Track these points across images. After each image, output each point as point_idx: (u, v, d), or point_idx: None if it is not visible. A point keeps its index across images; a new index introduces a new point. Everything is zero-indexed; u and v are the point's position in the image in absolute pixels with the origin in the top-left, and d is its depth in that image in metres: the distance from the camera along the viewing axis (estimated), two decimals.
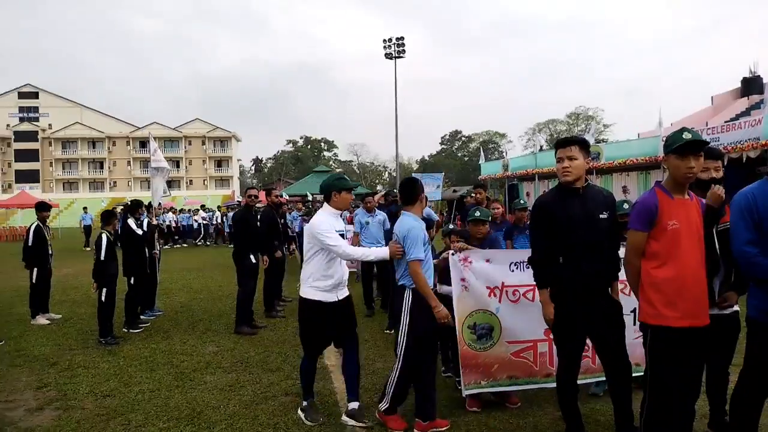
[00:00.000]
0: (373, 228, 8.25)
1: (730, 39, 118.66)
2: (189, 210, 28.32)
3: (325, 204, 4.29)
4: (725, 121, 21.12)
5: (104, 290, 6.74)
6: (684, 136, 2.93)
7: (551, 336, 4.18)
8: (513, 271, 4.36)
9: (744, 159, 14.95)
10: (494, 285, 4.33)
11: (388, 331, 6.81)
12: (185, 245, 24.37)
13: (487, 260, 4.37)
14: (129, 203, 8.49)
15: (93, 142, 76.40)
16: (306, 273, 4.20)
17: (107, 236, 6.85)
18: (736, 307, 3.46)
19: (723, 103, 33.06)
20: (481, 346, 4.32)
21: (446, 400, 4.53)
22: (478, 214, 4.78)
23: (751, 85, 31.83)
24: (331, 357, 5.90)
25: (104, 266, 6.76)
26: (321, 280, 4.13)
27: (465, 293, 4.33)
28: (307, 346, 4.33)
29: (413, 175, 16.77)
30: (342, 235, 4.19)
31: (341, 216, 4.43)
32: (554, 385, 4.23)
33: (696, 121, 28.22)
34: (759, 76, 32.28)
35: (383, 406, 4.08)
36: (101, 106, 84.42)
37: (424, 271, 3.92)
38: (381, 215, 8.38)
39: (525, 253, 4.41)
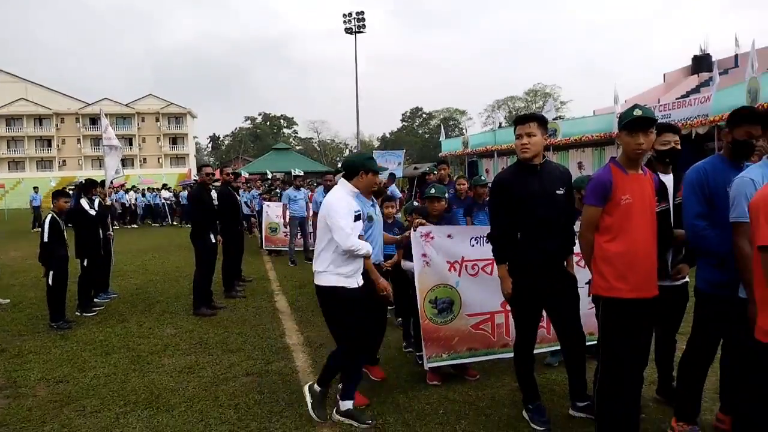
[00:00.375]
0: None
1: (683, 18, 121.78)
2: (153, 189, 27.43)
3: (345, 181, 3.90)
4: (676, 98, 21.76)
5: (51, 273, 6.49)
6: (635, 113, 2.99)
7: (508, 308, 4.33)
8: (473, 246, 4.45)
9: (693, 135, 15.46)
10: (454, 260, 4.41)
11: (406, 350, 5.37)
12: (155, 225, 23.67)
13: (449, 236, 4.44)
14: (83, 182, 8.16)
15: (40, 119, 72.90)
16: (324, 260, 3.75)
17: (53, 217, 6.58)
18: (686, 279, 3.60)
19: (674, 81, 34.04)
20: (442, 320, 4.40)
21: (407, 374, 4.60)
22: (433, 191, 4.81)
23: (701, 63, 32.83)
24: (293, 336, 5.89)
25: (50, 248, 6.50)
26: (343, 266, 3.71)
27: (426, 268, 4.39)
28: (351, 340, 3.79)
29: (374, 152, 16.73)
30: (359, 217, 3.79)
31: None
32: (511, 355, 4.35)
33: (649, 98, 28.98)
34: (709, 54, 33.31)
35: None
36: (48, 81, 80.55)
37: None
38: None
39: (485, 229, 4.53)
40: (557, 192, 3.47)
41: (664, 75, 36.37)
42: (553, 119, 22.16)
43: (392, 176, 11.87)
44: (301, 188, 11.54)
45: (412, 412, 3.88)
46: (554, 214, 3.45)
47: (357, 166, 3.87)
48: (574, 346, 3.58)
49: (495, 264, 4.22)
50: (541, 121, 3.51)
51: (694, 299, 3.32)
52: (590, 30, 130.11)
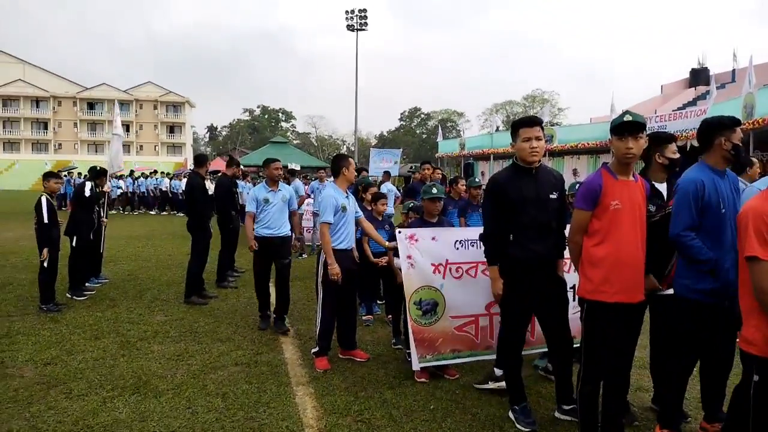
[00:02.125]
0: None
1: (682, 31, 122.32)
2: (159, 174, 26.86)
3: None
4: (673, 110, 21.91)
5: (47, 254, 6.43)
6: (625, 118, 3.04)
7: (492, 310, 4.41)
8: (457, 248, 4.45)
9: (688, 147, 15.56)
10: (438, 262, 4.42)
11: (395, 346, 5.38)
12: (161, 213, 23.35)
13: (433, 238, 4.46)
14: (98, 168, 8.25)
15: (36, 101, 72.26)
16: None
17: (47, 198, 6.53)
18: None
19: (672, 93, 34.24)
20: (426, 321, 4.42)
21: (395, 371, 4.61)
22: (435, 191, 4.80)
23: (698, 76, 33.06)
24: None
25: (48, 229, 6.46)
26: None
27: (411, 270, 4.42)
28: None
29: (371, 149, 16.75)
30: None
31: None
32: (494, 357, 4.40)
33: (646, 108, 29.13)
34: (707, 67, 33.53)
35: (314, 350, 4.83)
36: (46, 63, 79.91)
37: (339, 233, 4.76)
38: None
39: (469, 232, 4.63)
40: (551, 196, 3.50)
41: (661, 86, 36.59)
42: (551, 125, 22.25)
43: (387, 174, 11.87)
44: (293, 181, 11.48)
45: (399, 408, 3.89)
46: (547, 218, 3.48)
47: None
48: (562, 348, 3.61)
49: (486, 264, 4.27)
50: (542, 126, 3.56)
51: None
52: (590, 38, 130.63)
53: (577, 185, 4.68)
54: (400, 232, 4.48)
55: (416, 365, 4.36)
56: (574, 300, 3.86)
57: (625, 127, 3.01)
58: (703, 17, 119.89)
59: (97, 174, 8.10)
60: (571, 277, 3.86)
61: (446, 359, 4.46)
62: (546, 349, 4.06)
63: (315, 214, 10.70)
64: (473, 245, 4.42)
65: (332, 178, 5.23)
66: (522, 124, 3.54)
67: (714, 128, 3.20)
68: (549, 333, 3.65)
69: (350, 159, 5.04)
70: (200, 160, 7.82)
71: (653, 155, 3.53)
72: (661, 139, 3.55)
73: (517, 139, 3.52)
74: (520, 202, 3.44)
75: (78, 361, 4.76)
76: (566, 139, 22.00)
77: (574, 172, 21.12)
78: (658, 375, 3.73)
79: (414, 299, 4.39)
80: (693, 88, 32.65)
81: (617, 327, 3.07)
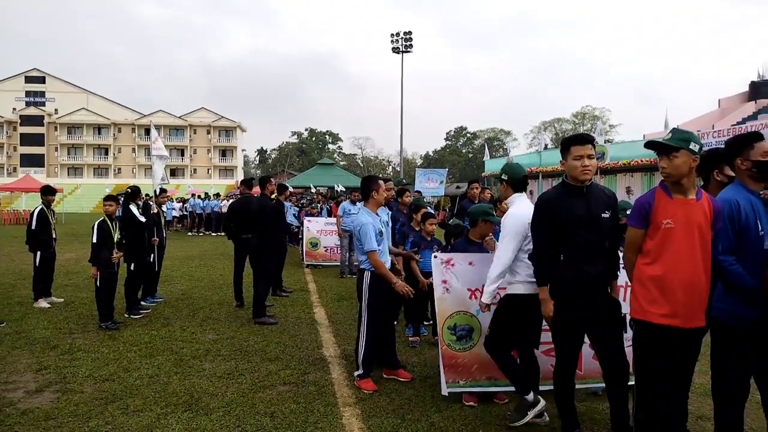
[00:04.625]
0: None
1: (740, 42, 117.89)
2: (218, 195, 27.76)
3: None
4: (732, 125, 21.06)
5: (98, 274, 6.75)
6: (663, 137, 2.99)
7: None
8: None
9: None
10: (476, 287, 4.36)
11: (411, 338, 6.17)
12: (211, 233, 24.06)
13: (470, 263, 4.42)
14: (129, 190, 8.40)
15: (98, 128, 76.52)
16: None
17: (102, 220, 6.88)
18: None
19: (730, 107, 32.94)
20: (461, 347, 4.38)
21: (441, 394, 4.54)
22: (496, 215, 4.79)
23: (759, 89, 31.76)
24: (330, 348, 5.93)
25: (98, 250, 6.76)
26: None
27: (446, 295, 4.40)
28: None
29: (417, 170, 16.80)
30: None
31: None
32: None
33: (703, 123, 28.13)
34: (767, 80, 32.13)
35: (357, 372, 4.79)
36: (108, 92, 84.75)
37: (379, 255, 4.70)
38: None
39: None
40: (603, 215, 3.40)
41: (719, 101, 35.26)
42: (603, 142, 21.75)
43: (418, 193, 12.04)
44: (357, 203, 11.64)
45: None
46: (598, 237, 3.39)
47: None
48: (617, 372, 3.46)
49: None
50: (593, 144, 3.49)
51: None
52: (642, 53, 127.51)
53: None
54: (436, 256, 4.48)
55: (444, 390, 4.32)
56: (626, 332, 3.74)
57: (652, 147, 2.98)
58: (763, 28, 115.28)
59: (133, 194, 8.02)
60: (627, 306, 3.71)
61: (482, 386, 4.37)
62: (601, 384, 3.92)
63: (341, 234, 11.15)
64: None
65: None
66: (573, 141, 3.46)
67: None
68: (603, 356, 3.51)
69: (380, 181, 4.96)
70: (263, 182, 8.00)
71: (711, 173, 3.41)
72: (720, 157, 3.41)
73: (568, 157, 3.45)
74: (571, 222, 3.37)
75: (134, 377, 4.92)
76: (619, 156, 21.44)
77: (628, 191, 20.53)
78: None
79: (448, 324, 4.36)
80: (753, 102, 31.33)
81: (666, 351, 2.95)
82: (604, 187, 3.69)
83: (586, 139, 3.45)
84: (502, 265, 3.82)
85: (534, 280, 3.67)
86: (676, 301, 2.91)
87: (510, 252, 3.81)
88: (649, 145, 3.03)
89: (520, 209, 3.91)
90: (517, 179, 4.07)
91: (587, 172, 3.39)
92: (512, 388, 4.27)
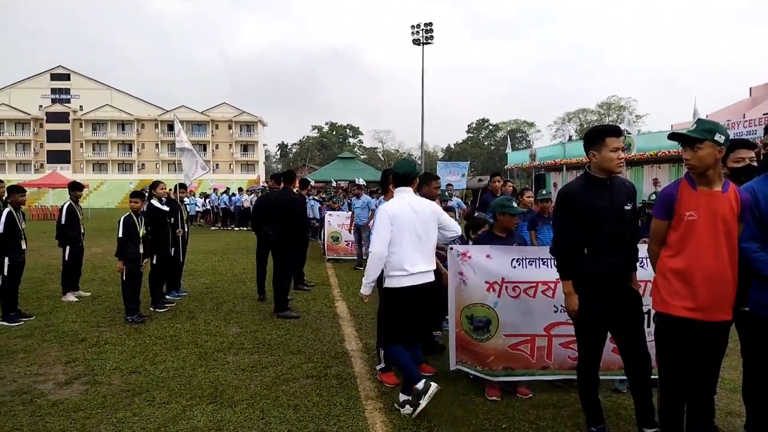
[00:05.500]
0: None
1: None
2: (241, 190, 27.89)
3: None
4: (764, 113, 20.51)
5: (124, 269, 6.89)
6: (687, 129, 2.95)
7: (551, 332, 4.28)
8: (514, 267, 4.36)
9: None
10: (493, 280, 4.35)
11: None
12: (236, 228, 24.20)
13: (488, 255, 4.40)
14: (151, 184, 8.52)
15: (122, 124, 77.87)
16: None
17: (128, 215, 7.03)
18: None
19: (762, 95, 32.02)
20: (478, 337, 4.40)
21: (465, 388, 4.55)
22: (516, 205, 4.78)
23: None
24: (352, 342, 5.97)
25: (123, 245, 6.91)
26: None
27: (462, 287, 4.41)
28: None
29: (438, 162, 16.75)
30: None
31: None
32: (550, 377, 4.38)
33: (733, 112, 27.43)
34: None
35: (379, 366, 4.77)
36: (131, 88, 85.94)
37: None
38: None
39: (527, 250, 4.54)
40: (626, 207, 3.38)
41: (750, 89, 34.32)
42: (628, 134, 21.39)
43: (450, 186, 12.06)
44: (361, 196, 11.71)
45: (469, 426, 3.85)
46: (622, 230, 3.36)
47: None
48: (639, 366, 3.42)
49: (546, 285, 4.20)
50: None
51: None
52: (670, 41, 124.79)
53: (653, 195, 4.52)
54: (451, 248, 4.47)
55: (453, 365, 4.47)
56: (648, 326, 3.71)
57: (676, 138, 2.95)
58: None
59: (152, 187, 8.15)
60: (648, 300, 3.68)
61: (498, 376, 4.39)
62: (623, 377, 3.89)
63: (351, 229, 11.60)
64: (531, 264, 4.33)
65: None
66: (609, 132, 3.38)
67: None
68: (625, 349, 3.48)
69: None
70: (290, 176, 8.01)
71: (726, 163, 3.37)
72: (731, 146, 3.34)
73: (602, 149, 3.35)
74: (595, 214, 3.34)
75: (160, 370, 5.03)
76: (646, 148, 21.03)
77: (655, 182, 20.14)
78: (750, 399, 3.48)
79: (466, 313, 4.39)
80: None
81: (690, 345, 2.91)
82: (624, 179, 3.65)
83: (620, 131, 3.44)
84: (372, 257, 4.09)
85: (402, 273, 4.01)
86: (699, 294, 2.87)
87: (377, 244, 4.06)
88: (673, 136, 3.00)
89: (389, 204, 4.24)
90: (397, 174, 4.29)
91: (621, 165, 3.38)
92: (527, 379, 4.41)
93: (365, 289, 4.17)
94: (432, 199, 5.19)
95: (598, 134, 3.42)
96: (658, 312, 3.03)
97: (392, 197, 4.72)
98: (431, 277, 4.23)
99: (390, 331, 4.30)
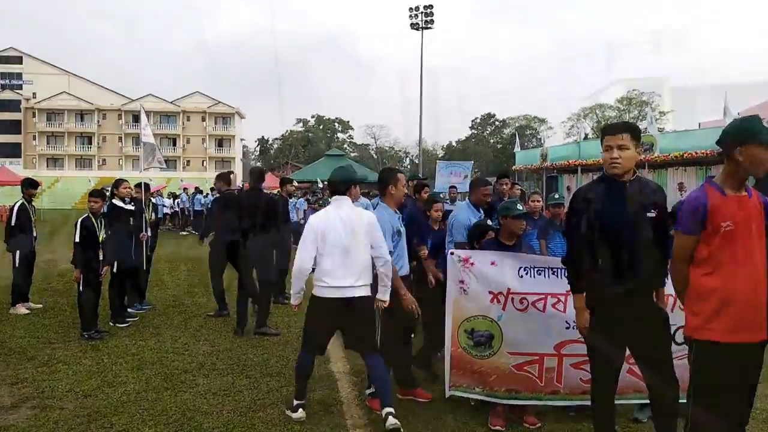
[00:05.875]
0: None
1: None
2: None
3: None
4: None
5: (81, 278, 6.84)
6: None
7: (562, 351, 4.28)
8: (522, 276, 4.37)
9: None
10: (498, 291, 4.36)
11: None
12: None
13: (493, 263, 4.41)
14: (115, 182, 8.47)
15: (81, 114, 77.57)
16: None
17: (85, 218, 6.97)
18: None
19: None
20: (479, 354, 4.41)
21: (465, 416, 4.56)
22: (521, 207, 4.78)
23: None
24: (338, 363, 5.96)
25: (80, 251, 6.85)
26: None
27: (463, 296, 4.42)
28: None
29: (438, 162, 16.75)
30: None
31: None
32: (560, 403, 4.39)
33: (765, 110, 27.74)
34: None
35: (368, 390, 4.82)
36: (91, 74, 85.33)
37: (395, 260, 4.62)
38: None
39: (537, 259, 4.52)
40: (648, 214, 3.38)
41: None
42: (651, 133, 21.53)
43: (454, 188, 12.09)
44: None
45: None
46: (642, 239, 3.36)
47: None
48: (664, 393, 3.44)
49: (557, 297, 4.21)
50: (635, 133, 3.44)
51: None
52: (697, 33, 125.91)
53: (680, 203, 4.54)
54: (452, 253, 4.48)
55: (448, 392, 4.48)
56: (680, 344, 3.71)
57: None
58: None
59: (114, 186, 8.14)
60: (676, 317, 3.69)
61: (500, 398, 4.40)
62: (645, 401, 3.91)
63: None
64: (540, 273, 4.35)
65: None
66: (604, 131, 3.52)
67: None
68: (648, 373, 3.49)
69: (399, 174, 4.98)
70: (262, 175, 8.08)
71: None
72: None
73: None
74: (610, 221, 3.36)
75: (120, 393, 5.00)
76: (670, 148, 21.22)
77: (680, 187, 20.29)
78: None
79: (465, 327, 4.40)
80: None
81: (731, 371, 2.92)
82: (649, 181, 3.67)
83: (616, 128, 3.47)
84: (293, 270, 4.43)
85: (322, 285, 4.32)
86: (742, 313, 2.87)
87: (297, 257, 4.37)
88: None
89: (316, 216, 4.68)
90: (331, 182, 4.62)
91: (615, 165, 3.37)
92: (532, 404, 4.46)
93: (293, 300, 4.61)
94: (482, 206, 5.59)
95: (601, 132, 3.53)
96: (696, 339, 2.98)
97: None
98: (363, 292, 4.38)
99: (304, 335, 4.69)
